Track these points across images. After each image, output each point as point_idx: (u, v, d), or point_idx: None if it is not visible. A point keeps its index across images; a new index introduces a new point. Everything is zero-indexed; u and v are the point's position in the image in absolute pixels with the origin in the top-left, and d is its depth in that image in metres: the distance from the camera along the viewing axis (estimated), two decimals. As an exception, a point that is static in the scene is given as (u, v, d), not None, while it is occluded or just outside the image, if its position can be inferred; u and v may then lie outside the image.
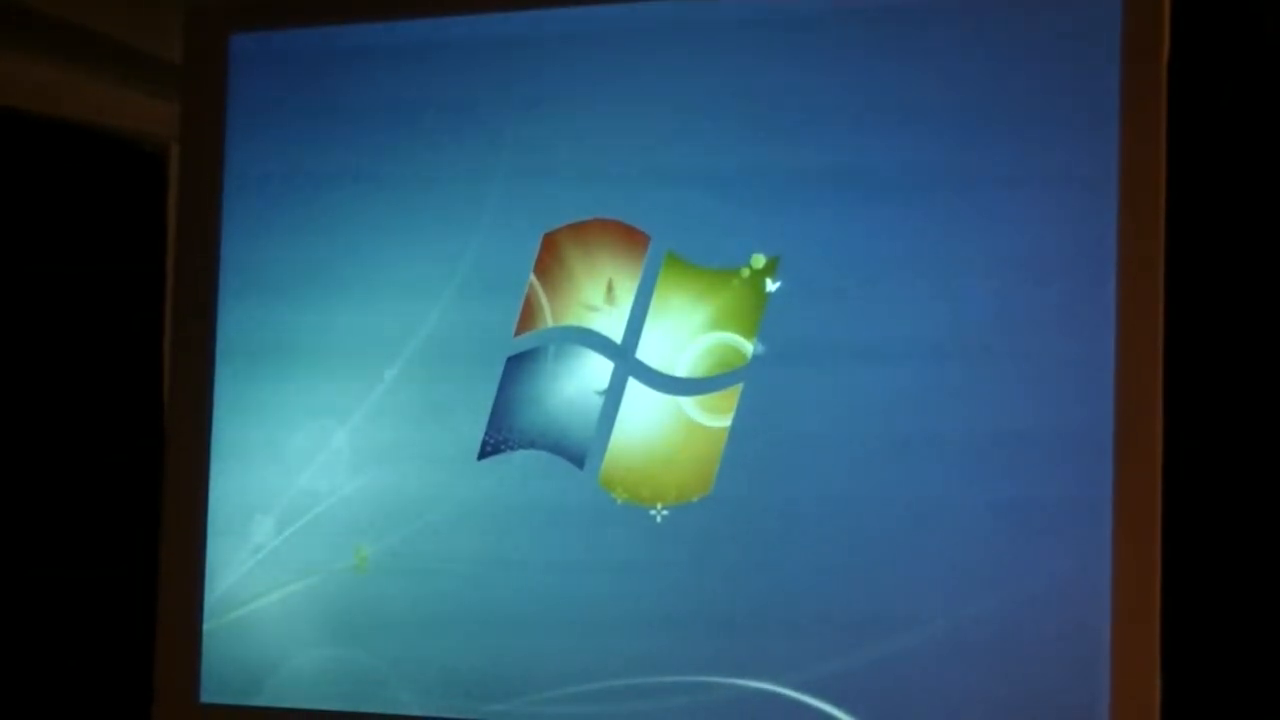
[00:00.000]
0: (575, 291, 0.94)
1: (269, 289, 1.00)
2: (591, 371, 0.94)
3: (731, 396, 0.90)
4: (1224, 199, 0.95)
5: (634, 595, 0.92)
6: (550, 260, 0.95)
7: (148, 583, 1.03)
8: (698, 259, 0.92)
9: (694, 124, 0.92)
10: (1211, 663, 0.94)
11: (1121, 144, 0.84)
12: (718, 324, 0.91)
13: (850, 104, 0.89)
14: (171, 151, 1.22)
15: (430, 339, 0.96)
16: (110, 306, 1.26)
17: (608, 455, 0.93)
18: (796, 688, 0.89)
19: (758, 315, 0.90)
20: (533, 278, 0.95)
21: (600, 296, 0.94)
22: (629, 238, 0.93)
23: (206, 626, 1.00)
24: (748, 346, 0.90)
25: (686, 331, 0.92)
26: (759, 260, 0.90)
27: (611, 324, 0.93)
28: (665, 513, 0.91)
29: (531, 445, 0.94)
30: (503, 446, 0.95)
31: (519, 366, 0.95)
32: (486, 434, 0.95)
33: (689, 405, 0.91)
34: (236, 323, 1.01)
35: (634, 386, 0.93)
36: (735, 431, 0.90)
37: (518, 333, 0.95)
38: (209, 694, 1.00)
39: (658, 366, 0.92)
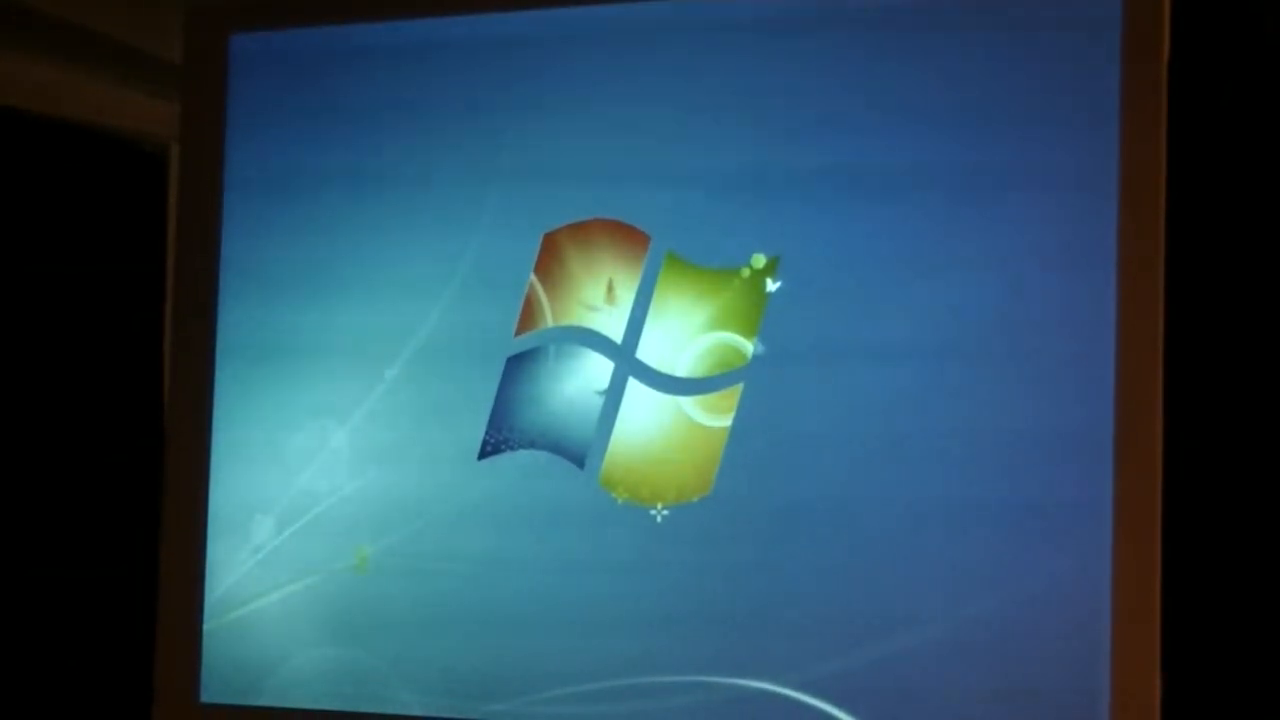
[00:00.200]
0: (575, 291, 0.94)
1: (269, 289, 1.00)
2: (592, 371, 0.94)
3: (732, 396, 0.90)
4: (1224, 199, 0.96)
5: (634, 595, 0.92)
6: (550, 260, 0.95)
7: (148, 583, 1.03)
8: (698, 259, 0.92)
9: (694, 124, 0.92)
10: (1211, 663, 0.94)
11: (1121, 144, 0.84)
12: (718, 324, 0.91)
13: (850, 104, 0.89)
14: (172, 151, 1.22)
15: (430, 339, 0.96)
16: (110, 306, 1.26)
17: (608, 455, 0.93)
18: (796, 688, 0.89)
19: (758, 315, 0.90)
20: (533, 278, 0.95)
21: (600, 296, 0.94)
22: (629, 238, 0.93)
23: (206, 626, 1.00)
24: (748, 346, 0.90)
25: (687, 331, 0.92)
26: (759, 260, 0.90)
27: (612, 324, 0.93)
28: (665, 513, 0.91)
29: (532, 445, 0.94)
30: (503, 446, 0.95)
31: (519, 366, 0.95)
32: (487, 434, 0.95)
33: (689, 405, 0.91)
34: (236, 323, 1.01)
35: (634, 386, 0.93)
36: (735, 431, 0.90)
37: (518, 332, 0.95)
38: (209, 694, 1.00)
39: (658, 366, 0.92)
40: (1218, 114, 0.95)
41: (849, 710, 0.88)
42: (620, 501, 0.92)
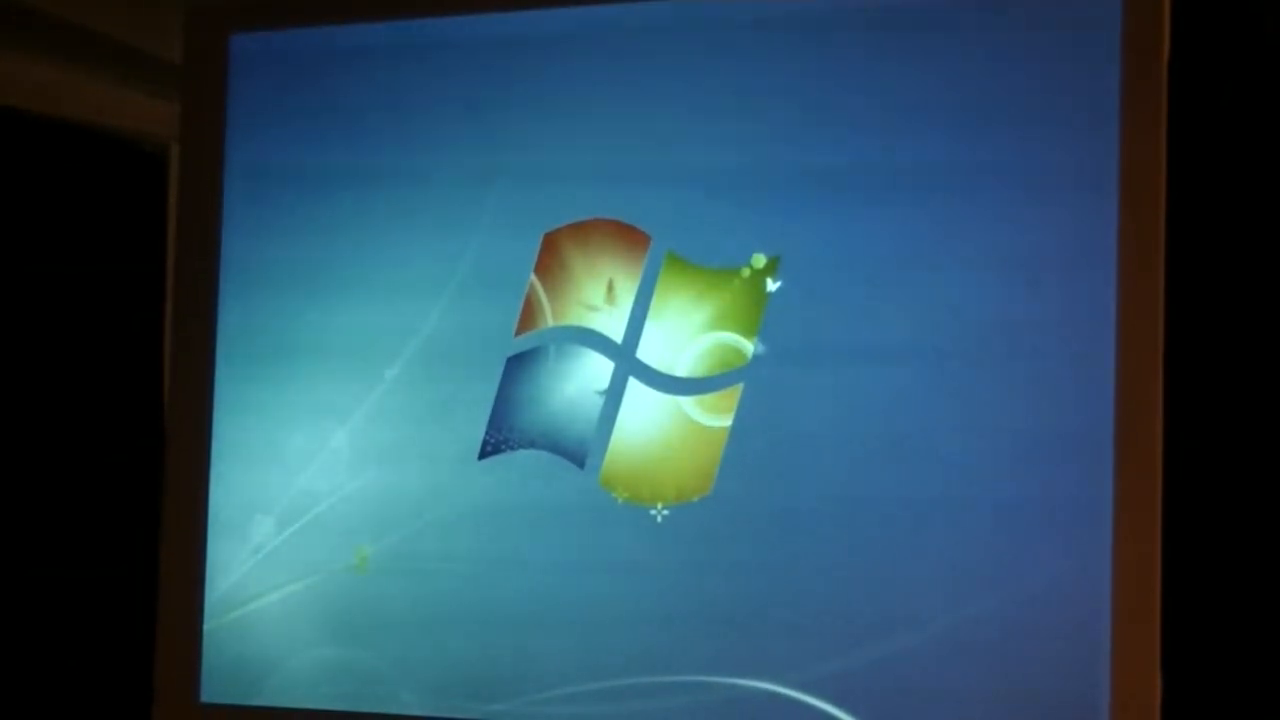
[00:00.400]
0: (576, 291, 0.94)
1: (269, 289, 1.00)
2: (592, 371, 0.94)
3: (732, 396, 0.90)
4: (1224, 198, 0.96)
5: (634, 595, 0.92)
6: (551, 260, 0.95)
7: (148, 583, 1.03)
8: (698, 259, 0.92)
9: (694, 124, 0.92)
10: (1211, 663, 0.94)
11: (1122, 144, 0.85)
12: (718, 324, 0.91)
13: (850, 104, 0.89)
14: (172, 151, 1.22)
15: (431, 339, 0.96)
16: (110, 306, 1.26)
17: (608, 455, 0.93)
18: (796, 687, 0.89)
19: (758, 315, 0.90)
20: (533, 277, 0.95)
21: (601, 296, 0.94)
22: (629, 237, 0.93)
23: (207, 626, 1.00)
24: (748, 346, 0.90)
25: (687, 331, 0.92)
26: (759, 260, 0.90)
27: (612, 324, 0.93)
28: (665, 512, 0.91)
29: (532, 445, 0.94)
30: (503, 446, 0.95)
31: (519, 366, 0.95)
32: (487, 434, 0.95)
33: (689, 405, 0.92)
34: (237, 323, 1.01)
35: (634, 386, 0.93)
36: (736, 431, 0.90)
37: (518, 332, 0.95)
38: (209, 694, 1.00)
39: (658, 366, 0.92)
40: (1218, 114, 0.95)
41: (849, 710, 0.88)
42: (620, 501, 0.92)
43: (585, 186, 0.94)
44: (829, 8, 0.90)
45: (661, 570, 0.91)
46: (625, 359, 0.93)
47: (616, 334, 0.93)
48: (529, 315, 0.95)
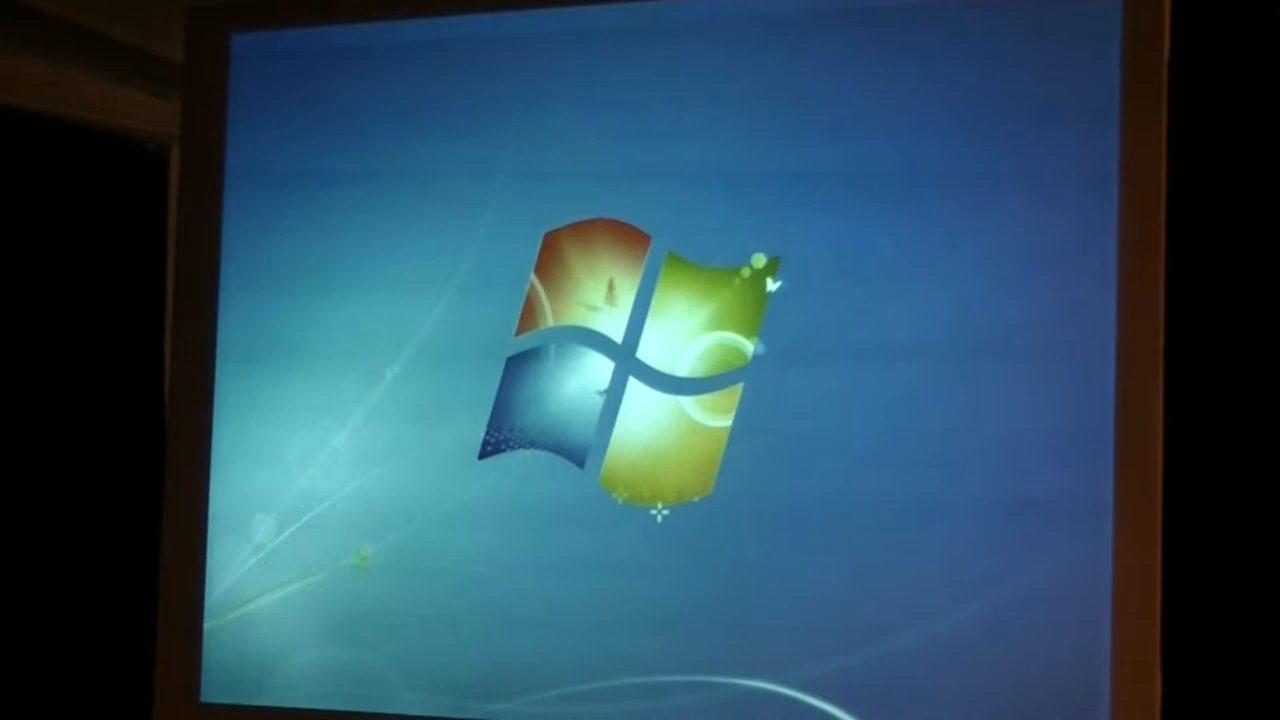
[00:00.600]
0: (576, 291, 0.94)
1: (269, 288, 1.00)
2: (592, 371, 0.94)
3: (732, 396, 0.90)
4: (1224, 198, 0.96)
5: (634, 595, 0.92)
6: (551, 260, 0.95)
7: (148, 583, 1.03)
8: (698, 259, 0.92)
9: (695, 124, 0.92)
10: (1211, 662, 0.94)
11: (1122, 143, 0.85)
12: (718, 324, 0.91)
13: (851, 104, 0.89)
14: (173, 151, 1.22)
15: (431, 338, 0.96)
16: (110, 306, 1.25)
17: (608, 455, 0.93)
18: (796, 687, 0.89)
19: (758, 315, 0.90)
20: (533, 277, 0.95)
21: (601, 296, 0.94)
22: (630, 237, 0.93)
23: (207, 626, 1.00)
24: (748, 346, 0.90)
25: (687, 331, 0.92)
26: (760, 260, 0.90)
27: (612, 324, 0.93)
28: (665, 512, 0.91)
29: (532, 445, 0.94)
30: (503, 446, 0.95)
31: (519, 366, 0.95)
32: (487, 434, 0.95)
33: (689, 405, 0.92)
34: (237, 322, 1.01)
35: (634, 386, 0.93)
36: (736, 431, 0.90)
37: (518, 332, 0.95)
38: (209, 694, 1.00)
39: (658, 366, 0.92)
40: (1218, 114, 0.95)
41: (849, 710, 0.88)
42: (620, 501, 0.92)
43: (585, 186, 0.94)
44: (829, 8, 0.90)
45: (661, 570, 0.91)
46: (625, 359, 0.93)
47: (617, 334, 0.93)
48: (529, 315, 0.95)
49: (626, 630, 0.92)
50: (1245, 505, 0.95)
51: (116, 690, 1.19)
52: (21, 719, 1.18)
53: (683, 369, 0.92)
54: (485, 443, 0.95)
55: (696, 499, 0.91)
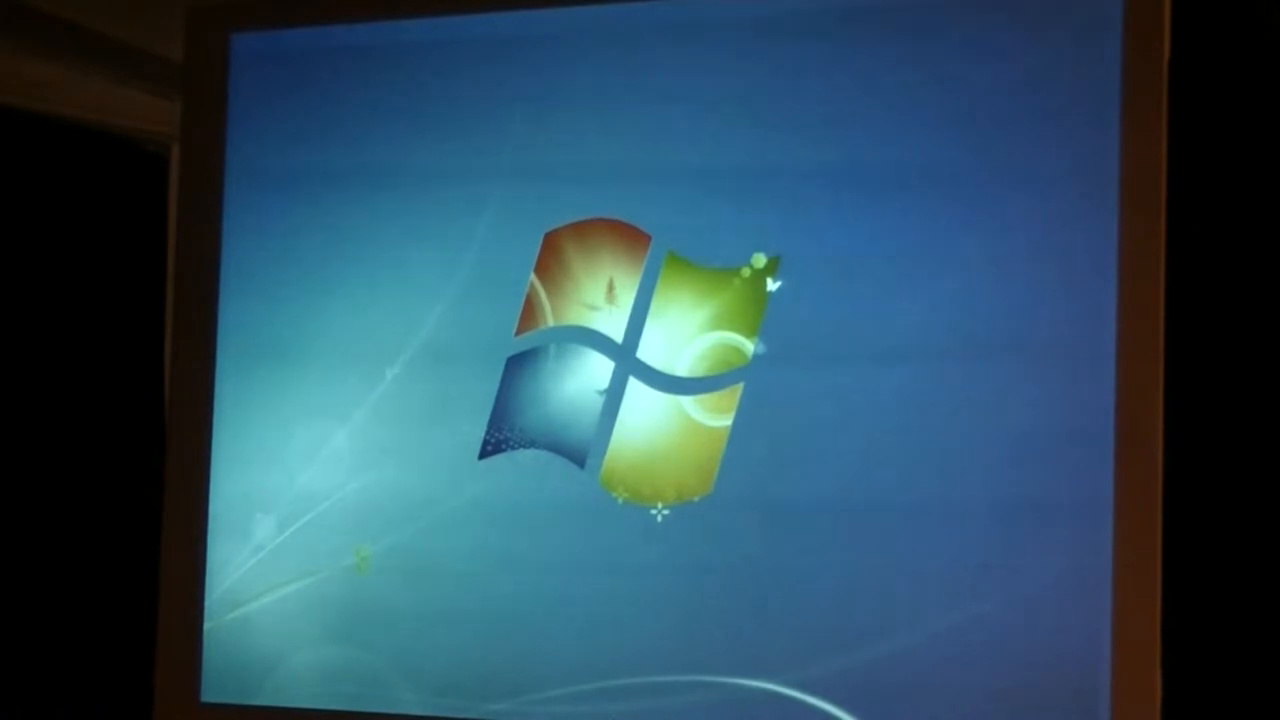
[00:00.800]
0: (576, 291, 0.94)
1: (269, 288, 1.00)
2: (592, 371, 0.94)
3: (732, 396, 0.90)
4: (1225, 198, 0.96)
5: (634, 595, 0.92)
6: (551, 260, 0.95)
7: (148, 583, 1.03)
8: (699, 258, 0.92)
9: (695, 124, 0.92)
10: (1211, 662, 0.94)
11: (1122, 143, 0.85)
12: (718, 323, 0.91)
13: (851, 104, 0.89)
14: (173, 151, 1.22)
15: (431, 338, 0.96)
16: (110, 306, 1.25)
17: (608, 455, 0.93)
18: (796, 687, 0.89)
19: (759, 315, 0.90)
20: (534, 277, 0.95)
21: (601, 296, 0.94)
22: (630, 237, 0.93)
23: (207, 626, 1.00)
24: (748, 346, 0.90)
25: (687, 331, 0.92)
26: (760, 260, 0.90)
27: (612, 323, 0.93)
28: (666, 512, 0.92)
29: (532, 445, 0.94)
30: (503, 446, 0.95)
31: (520, 366, 0.95)
32: (487, 433, 0.95)
33: (690, 405, 0.92)
34: (237, 322, 1.01)
35: (635, 386, 0.93)
36: (736, 431, 0.90)
37: (518, 332, 0.95)
38: (210, 693, 1.00)
39: (658, 366, 0.92)
40: (1218, 114, 0.95)
41: (849, 710, 0.88)
42: (620, 501, 0.92)
43: (585, 186, 0.94)
44: (828, 8, 0.90)
45: (661, 570, 0.91)
46: (626, 359, 0.93)
47: (617, 334, 0.93)
48: (529, 315, 0.95)
49: (626, 630, 0.92)
50: (1245, 505, 0.95)
51: (116, 690, 1.19)
52: (22, 719, 1.18)
53: (683, 369, 0.92)
54: (485, 443, 0.95)
55: (697, 499, 0.91)
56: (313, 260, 1.00)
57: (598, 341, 0.94)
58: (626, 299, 0.93)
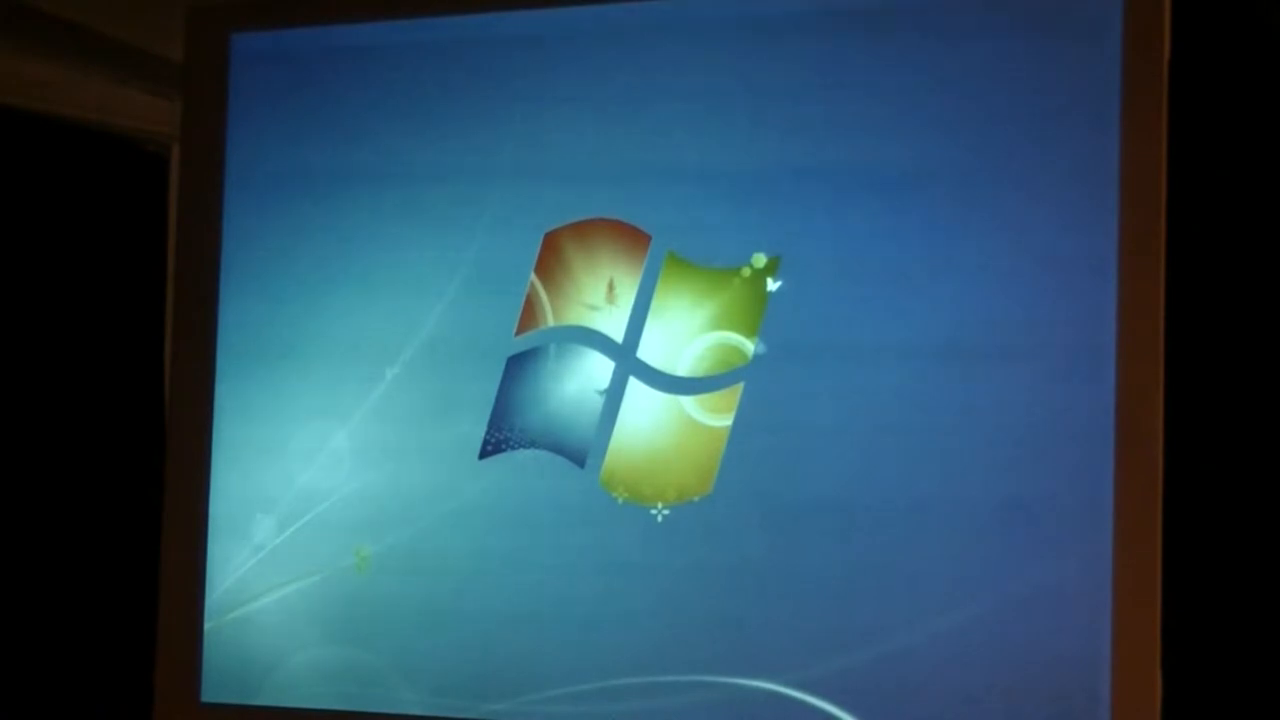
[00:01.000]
0: (576, 291, 0.94)
1: (269, 288, 1.00)
2: (592, 371, 0.94)
3: (732, 396, 0.90)
4: (1225, 198, 0.96)
5: (634, 595, 0.92)
6: (551, 259, 0.95)
7: (148, 583, 1.03)
8: (699, 258, 0.92)
9: (696, 124, 0.92)
10: (1211, 663, 0.94)
11: (1122, 143, 0.85)
12: (719, 323, 0.91)
13: (851, 104, 0.89)
14: (173, 151, 1.22)
15: (431, 338, 0.96)
16: (110, 306, 1.25)
17: (609, 455, 0.93)
18: (797, 687, 0.89)
19: (759, 315, 0.90)
20: (534, 277, 0.95)
21: (601, 296, 0.94)
22: (630, 237, 0.93)
23: (207, 626, 1.00)
24: (749, 346, 0.90)
25: (687, 331, 0.92)
26: (760, 260, 0.90)
27: (612, 323, 0.93)
28: (666, 512, 0.92)
29: (532, 445, 0.94)
30: (504, 446, 0.95)
31: (520, 366, 0.95)
32: (487, 433, 0.95)
33: (690, 405, 0.92)
34: (237, 322, 1.01)
35: (635, 386, 0.93)
36: (736, 431, 0.90)
37: (519, 332, 0.95)
38: (210, 693, 1.00)
39: (659, 366, 0.92)
40: (1218, 114, 0.95)
41: (849, 710, 0.88)
42: (621, 501, 0.92)
43: (585, 186, 0.94)
44: (829, 8, 0.90)
45: (661, 570, 0.91)
46: (626, 358, 0.93)
47: (617, 333, 0.93)
48: (529, 315, 0.95)
49: (626, 630, 0.92)
50: (1245, 505, 0.95)
51: (116, 690, 1.19)
52: (22, 719, 1.18)
53: (683, 368, 0.92)
54: (485, 443, 0.95)
55: (697, 499, 0.91)
56: (313, 260, 1.00)
57: (598, 341, 0.94)
58: (627, 299, 0.93)
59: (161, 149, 1.25)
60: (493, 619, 0.94)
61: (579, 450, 0.93)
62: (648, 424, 0.92)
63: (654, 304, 0.93)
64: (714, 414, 0.91)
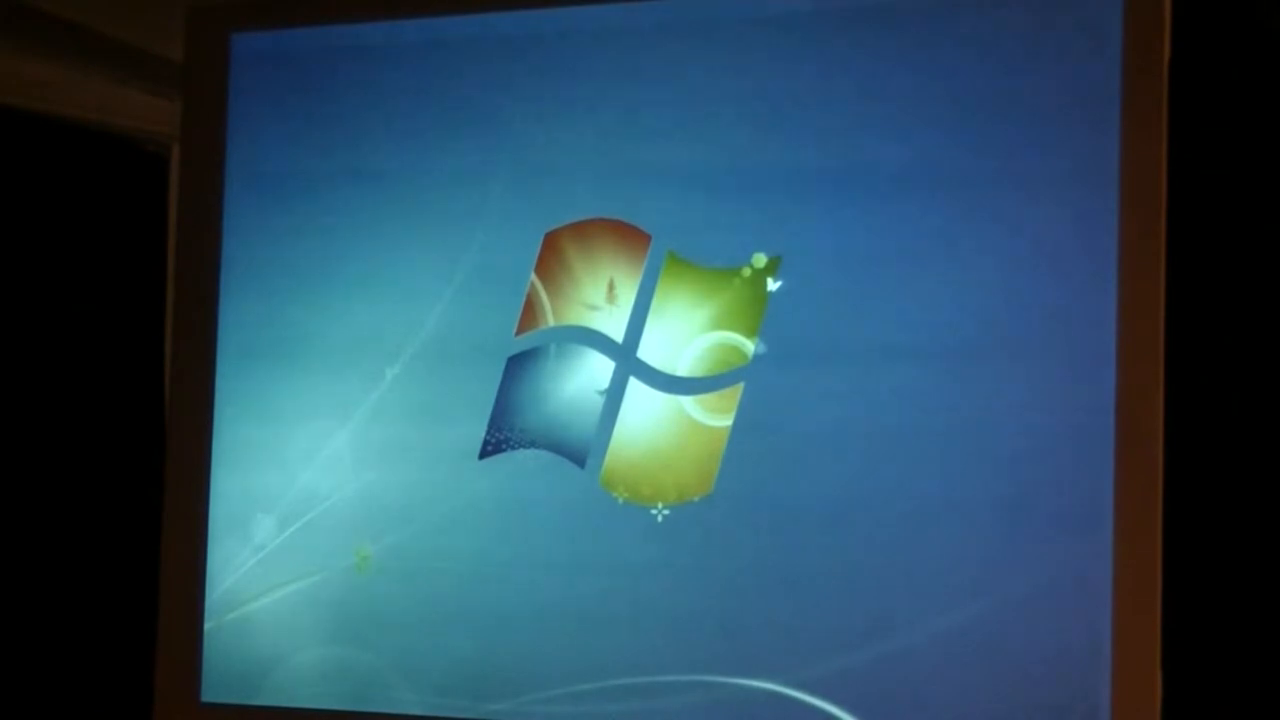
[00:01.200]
0: (576, 291, 0.94)
1: (270, 288, 1.00)
2: (592, 371, 0.94)
3: (733, 396, 0.90)
4: (1225, 198, 0.96)
5: (635, 595, 0.92)
6: (551, 259, 0.95)
7: (148, 583, 1.03)
8: (699, 258, 0.92)
9: (696, 124, 0.92)
10: (1211, 663, 0.94)
11: (1122, 143, 0.85)
12: (719, 323, 0.91)
13: (851, 104, 0.89)
14: (173, 151, 1.22)
15: (431, 338, 0.96)
16: (110, 307, 1.25)
17: (609, 455, 0.93)
18: (797, 687, 0.89)
19: (759, 315, 0.90)
20: (534, 277, 0.95)
21: (601, 296, 0.94)
22: (630, 237, 0.93)
23: (207, 626, 1.00)
24: (749, 346, 0.90)
25: (687, 331, 0.92)
26: (760, 260, 0.90)
27: (613, 323, 0.93)
28: (666, 512, 0.92)
29: (532, 445, 0.94)
30: (504, 446, 0.95)
31: (520, 366, 0.95)
32: (487, 433, 0.95)
33: (690, 405, 0.92)
34: (237, 322, 1.01)
35: (635, 386, 0.93)
36: (736, 431, 0.90)
37: (519, 332, 0.95)
38: (210, 693, 1.00)
39: (659, 366, 0.92)
40: (1218, 114, 0.95)
41: (849, 710, 0.88)
42: (621, 501, 0.92)
43: (585, 186, 0.94)
44: (829, 8, 0.90)
45: (662, 570, 0.91)
46: (626, 359, 0.93)
47: (617, 334, 0.93)
48: (530, 315, 0.95)
49: (626, 630, 0.92)
50: (1245, 505, 0.95)
51: (116, 690, 1.19)
52: (22, 719, 1.18)
53: (683, 369, 0.92)
54: (485, 443, 0.95)
55: (697, 499, 0.91)
56: (313, 260, 1.00)
57: (598, 341, 0.94)
58: (627, 299, 0.93)
59: (161, 149, 1.25)
60: (493, 619, 0.94)
61: (579, 450, 0.93)
62: (648, 424, 0.92)
63: (654, 304, 0.93)
64: (714, 414, 0.91)
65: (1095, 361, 0.85)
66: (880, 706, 0.87)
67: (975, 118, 0.87)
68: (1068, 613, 0.84)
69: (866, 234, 0.89)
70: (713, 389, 0.91)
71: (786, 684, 0.89)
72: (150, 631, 1.02)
